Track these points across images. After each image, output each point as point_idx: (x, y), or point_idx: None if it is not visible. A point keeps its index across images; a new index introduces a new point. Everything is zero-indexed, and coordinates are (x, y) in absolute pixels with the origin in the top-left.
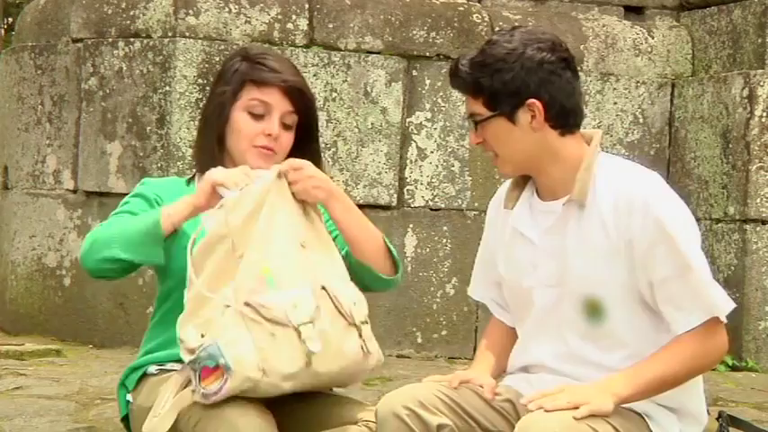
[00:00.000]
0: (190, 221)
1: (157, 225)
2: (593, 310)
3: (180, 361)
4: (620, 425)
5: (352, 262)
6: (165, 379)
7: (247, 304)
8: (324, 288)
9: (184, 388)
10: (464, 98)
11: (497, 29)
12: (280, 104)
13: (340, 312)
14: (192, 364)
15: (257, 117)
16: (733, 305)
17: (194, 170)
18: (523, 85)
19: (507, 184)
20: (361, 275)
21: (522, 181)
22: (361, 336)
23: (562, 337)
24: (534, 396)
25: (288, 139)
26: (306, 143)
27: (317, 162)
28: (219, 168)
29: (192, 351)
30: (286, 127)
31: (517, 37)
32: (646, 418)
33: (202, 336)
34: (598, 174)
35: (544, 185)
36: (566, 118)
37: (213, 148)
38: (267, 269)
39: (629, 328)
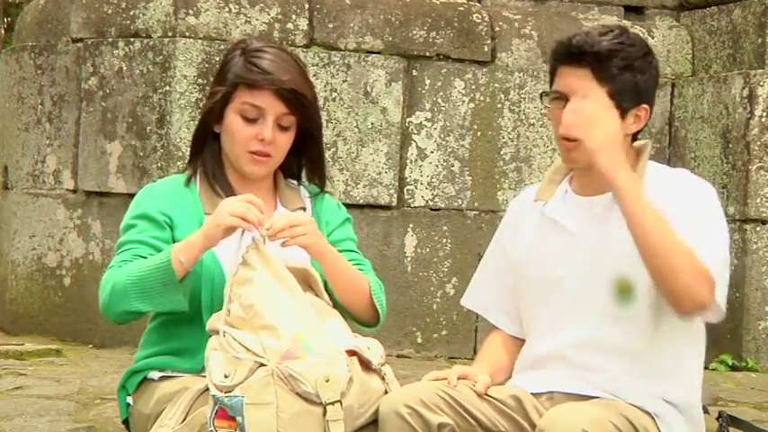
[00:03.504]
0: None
1: (172, 274)
2: (625, 290)
3: (182, 370)
4: (637, 422)
5: (336, 304)
6: (167, 385)
7: (279, 370)
8: (349, 351)
9: (197, 399)
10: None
11: (496, 29)
12: (273, 107)
13: (365, 365)
14: (215, 399)
15: (251, 121)
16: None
17: (191, 168)
18: (646, 90)
19: (530, 189)
20: (341, 310)
21: (559, 177)
22: (384, 379)
23: (587, 324)
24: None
25: (285, 140)
26: (306, 143)
27: (319, 162)
28: (227, 204)
29: (216, 387)
30: (282, 128)
31: (640, 38)
32: (655, 418)
33: (226, 376)
34: (648, 172)
35: (591, 182)
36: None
37: (212, 148)
38: (301, 335)
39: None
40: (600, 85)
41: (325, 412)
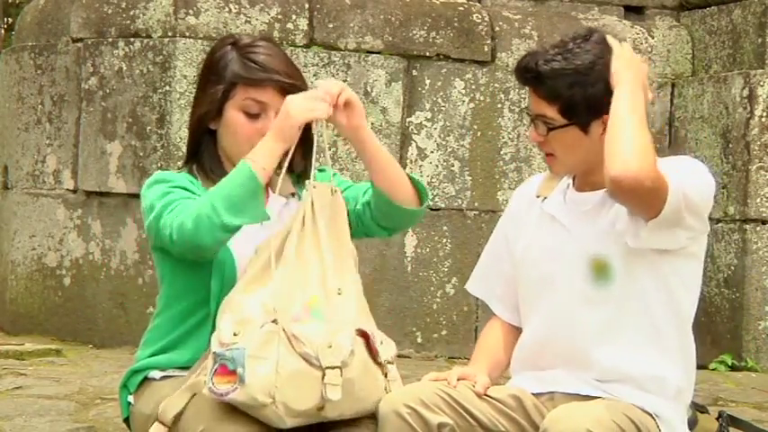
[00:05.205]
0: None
1: (257, 183)
2: (600, 270)
3: (182, 368)
4: (639, 422)
5: (376, 199)
6: (168, 385)
7: (285, 331)
8: (360, 331)
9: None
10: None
11: (496, 29)
12: (275, 101)
13: (372, 353)
14: (216, 356)
15: (253, 116)
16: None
17: (188, 167)
18: (605, 100)
19: (535, 178)
20: (386, 211)
21: None
22: (386, 376)
23: (575, 319)
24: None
25: None
26: (302, 134)
27: (310, 151)
28: (293, 104)
29: (222, 344)
30: None
31: (597, 45)
32: (656, 418)
33: (235, 334)
34: None
35: (586, 179)
36: None
37: (209, 145)
38: (315, 298)
39: (637, 293)
40: (550, 105)
41: (323, 376)
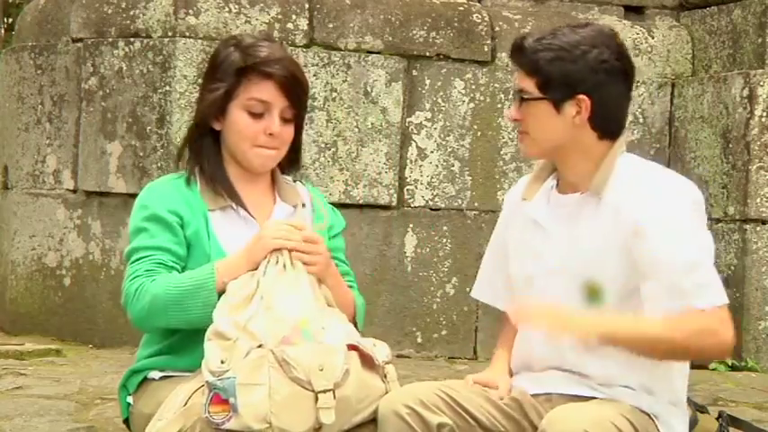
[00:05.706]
0: (207, 242)
1: (214, 296)
2: (593, 293)
3: (183, 370)
4: (638, 423)
5: None
6: (167, 385)
7: (275, 353)
8: (353, 344)
9: (195, 392)
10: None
11: (496, 29)
12: (278, 101)
13: (366, 361)
14: (209, 385)
15: (256, 116)
16: (724, 300)
17: (189, 167)
18: (580, 80)
19: (526, 178)
20: None
21: (544, 174)
22: (385, 377)
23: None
24: (516, 313)
25: (288, 132)
26: (297, 132)
27: (300, 151)
28: (270, 229)
29: (211, 372)
30: (285, 121)
31: (589, 32)
32: (654, 419)
33: (222, 362)
34: (620, 170)
35: (566, 179)
36: (608, 124)
37: (212, 148)
38: (305, 321)
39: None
40: (529, 78)
41: (316, 399)
